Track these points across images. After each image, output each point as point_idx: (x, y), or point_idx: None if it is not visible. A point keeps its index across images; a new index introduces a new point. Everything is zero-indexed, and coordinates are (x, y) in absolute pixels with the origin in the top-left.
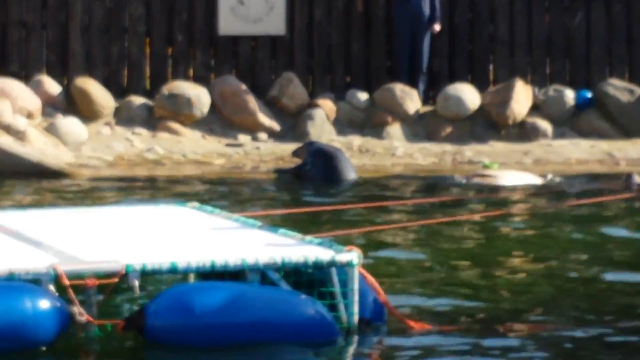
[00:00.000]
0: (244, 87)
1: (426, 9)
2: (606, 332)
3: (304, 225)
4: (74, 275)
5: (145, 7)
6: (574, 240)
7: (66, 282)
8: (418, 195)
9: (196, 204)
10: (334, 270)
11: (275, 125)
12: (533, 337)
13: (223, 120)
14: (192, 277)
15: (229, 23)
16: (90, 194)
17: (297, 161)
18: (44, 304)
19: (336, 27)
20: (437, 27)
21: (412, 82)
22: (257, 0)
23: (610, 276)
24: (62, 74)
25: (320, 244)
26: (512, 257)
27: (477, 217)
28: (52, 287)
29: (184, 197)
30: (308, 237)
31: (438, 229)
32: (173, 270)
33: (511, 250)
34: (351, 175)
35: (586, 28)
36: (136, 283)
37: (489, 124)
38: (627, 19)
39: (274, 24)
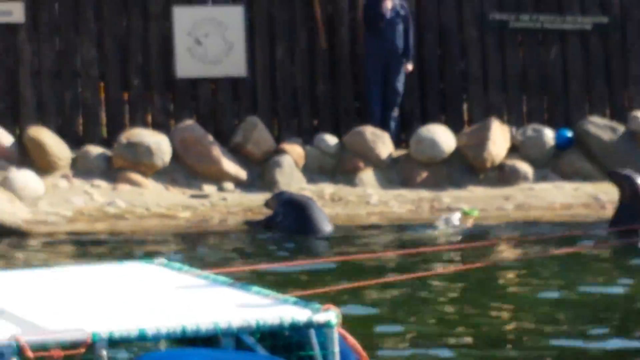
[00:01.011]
0: (206, 133)
1: (400, 45)
2: None
3: (278, 281)
4: (38, 347)
5: (97, 50)
6: (555, 296)
7: (30, 354)
8: (396, 246)
9: (164, 260)
10: (312, 332)
11: (242, 174)
12: None
13: (186, 170)
14: (163, 342)
15: (186, 65)
16: (50, 253)
17: (267, 212)
18: None
19: (300, 66)
20: (409, 66)
21: (383, 124)
22: (215, 39)
23: (595, 332)
24: (13, 123)
25: (294, 303)
26: (497, 309)
27: (454, 269)
28: None
29: (149, 254)
30: (281, 296)
31: (419, 283)
32: (142, 337)
33: (495, 302)
34: (326, 226)
35: (562, 63)
36: (104, 353)
37: (466, 167)
38: (604, 52)
39: (234, 64)
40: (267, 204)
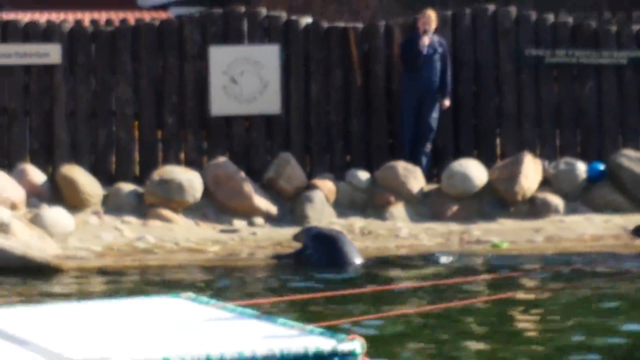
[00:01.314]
0: (238, 170)
1: (436, 82)
2: None
3: (305, 313)
4: None
5: (132, 90)
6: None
7: None
8: (423, 278)
9: (191, 294)
10: None
11: (272, 209)
12: None
13: (217, 206)
14: None
15: (221, 103)
16: (78, 287)
17: (297, 246)
18: None
19: (334, 104)
20: (447, 102)
21: (415, 159)
22: (250, 78)
23: None
24: (46, 162)
25: (321, 334)
26: (522, 342)
27: (482, 299)
28: None
29: (177, 288)
30: (309, 327)
31: (444, 313)
32: None
33: (521, 334)
34: (356, 258)
35: (597, 97)
36: None
37: (498, 201)
38: (639, 86)
39: (269, 102)
40: (296, 238)
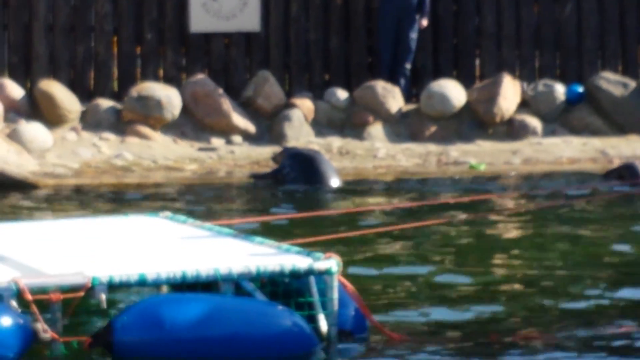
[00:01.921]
0: (217, 87)
1: (414, 1)
2: (597, 342)
3: (282, 232)
4: (37, 290)
5: (112, 5)
6: (566, 247)
7: (29, 297)
8: (403, 199)
9: (168, 213)
10: (312, 279)
11: (251, 128)
12: (519, 347)
13: (195, 123)
14: (164, 290)
15: (200, 20)
16: (56, 204)
17: (274, 165)
18: (6, 320)
19: (314, 22)
20: (424, 22)
21: (394, 79)
22: None
23: (603, 288)
24: (25, 76)
25: (297, 252)
26: (501, 264)
27: (461, 219)
28: (14, 303)
29: (155, 206)
30: (285, 245)
31: (421, 234)
32: (142, 282)
33: (500, 255)
34: (333, 178)
35: (577, 19)
36: (103, 297)
37: (476, 122)
38: (619, 9)
39: (248, 20)
40: (274, 159)
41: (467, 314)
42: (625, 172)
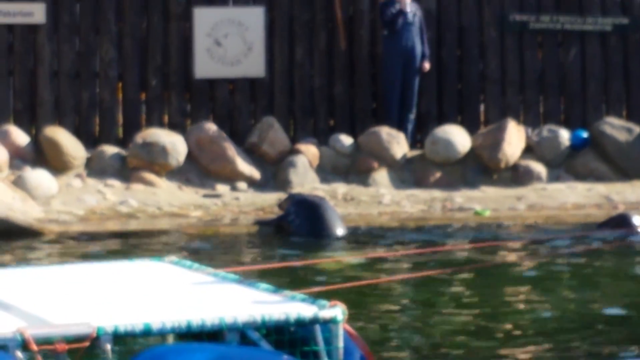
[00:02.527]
0: (221, 133)
1: (418, 46)
2: None
3: (286, 280)
4: (43, 340)
5: (117, 51)
6: (568, 292)
7: (34, 347)
8: (409, 246)
9: (174, 258)
10: (317, 328)
11: (256, 174)
12: None
13: (200, 170)
14: (170, 338)
15: (205, 65)
16: (61, 251)
17: (279, 212)
18: None
19: (318, 68)
20: (427, 65)
21: (400, 125)
22: (234, 40)
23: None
24: (30, 122)
25: (302, 300)
26: (509, 309)
27: (465, 267)
28: (19, 354)
29: (159, 252)
30: (290, 293)
31: (427, 281)
32: (147, 331)
33: (508, 300)
34: (338, 226)
35: (581, 64)
36: (108, 347)
37: (481, 167)
38: (623, 54)
39: (253, 65)
40: (280, 206)
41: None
42: (619, 222)
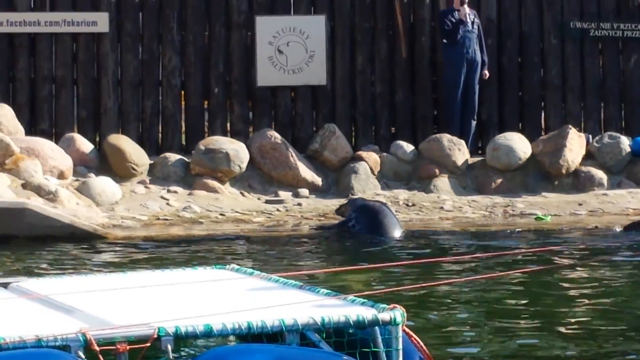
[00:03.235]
0: (284, 141)
1: (478, 53)
2: None
3: (347, 284)
4: (105, 341)
5: (179, 59)
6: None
7: (96, 347)
8: (467, 251)
9: (235, 265)
10: (376, 330)
11: (317, 180)
12: None
13: (262, 176)
14: (231, 341)
15: (267, 73)
16: (124, 257)
17: (341, 218)
18: None
19: (379, 75)
20: (487, 72)
21: (462, 132)
22: (296, 48)
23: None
24: (94, 131)
25: (362, 303)
26: (565, 313)
27: (526, 271)
28: (81, 354)
29: (222, 258)
30: (350, 297)
31: (487, 285)
32: (208, 332)
33: (564, 305)
34: (397, 231)
35: None
36: (169, 347)
37: (541, 174)
38: None
39: (315, 73)
40: (339, 211)
41: None
42: None
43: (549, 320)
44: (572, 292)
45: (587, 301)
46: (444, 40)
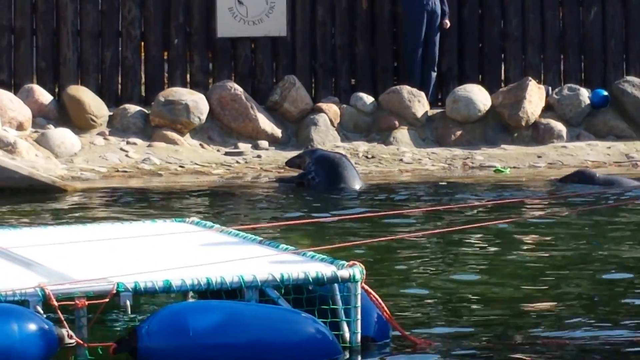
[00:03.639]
0: (243, 92)
1: (438, 4)
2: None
3: (306, 238)
4: (63, 296)
5: (139, 10)
6: (588, 249)
7: (54, 302)
8: (427, 203)
9: (195, 219)
10: (336, 287)
11: (277, 132)
12: (542, 353)
13: (222, 128)
14: (190, 296)
15: (227, 25)
16: (83, 208)
17: (293, 170)
18: (32, 326)
19: (340, 26)
20: (447, 22)
21: (423, 84)
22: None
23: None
24: (53, 81)
25: (321, 260)
26: (526, 267)
27: (485, 224)
28: (39, 309)
29: (181, 211)
30: (309, 252)
31: (446, 239)
32: (167, 288)
33: (525, 260)
34: (357, 183)
35: (601, 23)
36: (128, 303)
37: (501, 126)
38: None
39: (275, 24)
40: (291, 162)
41: (493, 319)
42: (579, 177)
43: (504, 267)
44: (528, 241)
45: (540, 249)
46: None
